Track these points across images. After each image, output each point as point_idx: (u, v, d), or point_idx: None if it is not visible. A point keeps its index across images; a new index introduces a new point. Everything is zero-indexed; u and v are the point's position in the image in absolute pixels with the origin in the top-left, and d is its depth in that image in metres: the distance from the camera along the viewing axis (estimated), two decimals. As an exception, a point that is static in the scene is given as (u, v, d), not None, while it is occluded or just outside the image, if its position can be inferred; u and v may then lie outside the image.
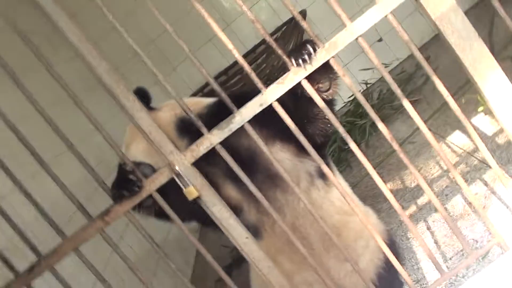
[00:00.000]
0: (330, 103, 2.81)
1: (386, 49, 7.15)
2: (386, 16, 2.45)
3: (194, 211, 2.71)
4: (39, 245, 2.74)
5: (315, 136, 2.92)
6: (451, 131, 4.63)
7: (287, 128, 2.56)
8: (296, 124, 2.56)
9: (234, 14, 7.23)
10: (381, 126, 2.56)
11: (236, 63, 6.94)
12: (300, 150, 2.96)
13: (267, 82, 2.53)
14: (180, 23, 6.60)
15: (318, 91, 2.69)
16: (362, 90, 7.06)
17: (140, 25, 6.72)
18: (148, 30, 6.86)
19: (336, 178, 2.79)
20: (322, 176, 3.03)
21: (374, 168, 2.71)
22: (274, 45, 2.47)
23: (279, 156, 2.92)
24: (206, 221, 2.85)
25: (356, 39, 2.47)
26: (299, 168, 3.00)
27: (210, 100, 3.19)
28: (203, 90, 6.94)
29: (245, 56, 6.88)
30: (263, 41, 7.05)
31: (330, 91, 2.79)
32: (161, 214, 2.84)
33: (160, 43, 6.93)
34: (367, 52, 2.49)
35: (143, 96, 2.93)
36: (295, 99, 2.79)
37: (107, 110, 5.87)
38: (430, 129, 2.59)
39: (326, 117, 2.58)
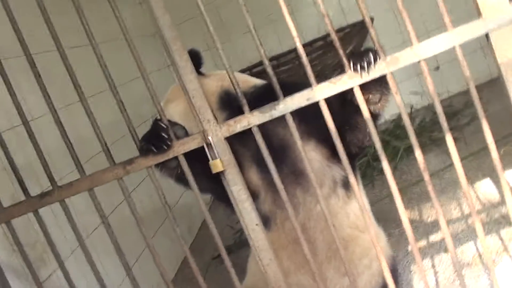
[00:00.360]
0: (375, 116, 2.79)
1: (440, 79, 7.09)
2: (454, 47, 2.41)
3: (213, 184, 2.71)
4: (56, 176, 2.76)
5: (351, 145, 2.91)
6: (482, 178, 4.59)
7: (325, 129, 2.54)
8: (336, 128, 2.55)
9: (301, 3, 7.21)
10: (418, 153, 2.53)
11: (290, 51, 6.93)
12: (332, 154, 2.95)
13: (317, 79, 2.51)
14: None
15: (367, 101, 2.66)
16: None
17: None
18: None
19: (359, 192, 2.78)
20: (345, 186, 3.02)
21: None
22: (337, 43, 2.45)
23: (310, 155, 2.91)
24: (222, 197, 2.85)
25: (419, 61, 2.43)
26: (326, 172, 2.99)
27: (258, 81, 3.19)
28: (252, 69, 6.94)
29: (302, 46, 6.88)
30: (323, 37, 7.04)
31: (379, 105, 2.78)
32: (180, 179, 2.85)
33: (223, 11, 6.94)
34: (426, 77, 2.45)
35: (195, 58, 2.93)
36: (342, 103, 2.78)
37: (154, 63, 5.91)
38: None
39: (367, 129, 2.56)
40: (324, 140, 2.86)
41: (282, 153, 2.94)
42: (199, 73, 3.03)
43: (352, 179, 2.58)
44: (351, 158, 2.76)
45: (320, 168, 2.96)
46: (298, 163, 2.92)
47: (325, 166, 2.98)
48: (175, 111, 3.13)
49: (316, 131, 2.89)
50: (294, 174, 2.95)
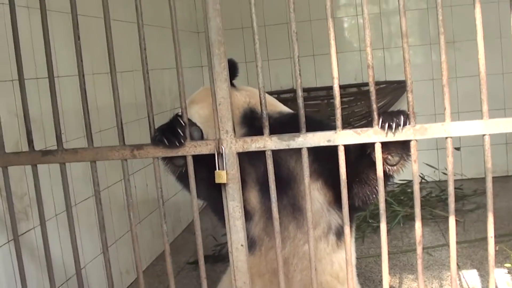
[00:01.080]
0: (387, 177, 2.78)
1: (457, 159, 7.09)
2: (483, 135, 2.40)
3: (211, 193, 2.70)
4: (63, 137, 2.76)
5: (356, 197, 2.90)
6: (470, 268, 4.57)
7: (336, 174, 2.53)
8: (346, 177, 2.54)
9: (347, 46, 7.25)
10: (418, 225, 2.52)
11: (322, 88, 6.96)
12: (334, 200, 2.94)
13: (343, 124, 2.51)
14: (300, 26, 6.63)
15: (385, 161, 2.67)
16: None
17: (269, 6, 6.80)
18: (273, 14, 6.91)
19: (350, 244, 2.77)
20: (338, 234, 3.00)
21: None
22: (373, 96, 2.44)
23: (313, 194, 2.91)
24: (216, 208, 2.86)
25: (446, 138, 2.43)
26: (323, 215, 2.98)
27: (285, 109, 3.20)
28: (280, 94, 6.95)
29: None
30: (358, 85, 7.07)
31: (395, 168, 2.77)
32: (182, 178, 2.85)
33: (271, 31, 6.96)
34: (448, 156, 2.45)
35: (232, 69, 2.94)
36: (360, 155, 2.77)
37: (188, 59, 5.94)
38: (456, 255, 2.54)
39: (376, 187, 2.55)
40: (331, 184, 2.85)
41: (287, 184, 2.93)
42: (231, 84, 3.04)
43: (347, 229, 2.57)
44: (352, 210, 2.75)
45: (319, 209, 2.95)
46: (300, 198, 2.91)
47: (325, 209, 2.97)
48: (197, 113, 3.14)
49: (326, 173, 2.89)
50: (292, 208, 2.94)
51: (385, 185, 2.67)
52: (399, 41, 6.99)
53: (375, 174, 2.53)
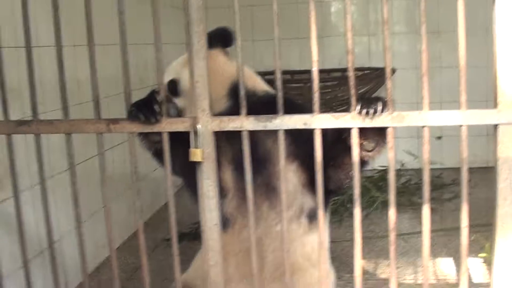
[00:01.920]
0: (363, 163, 2.77)
1: (439, 148, 7.11)
2: (461, 126, 2.40)
3: (187, 171, 2.69)
4: (41, 108, 2.73)
5: (331, 181, 2.89)
6: (445, 256, 4.60)
7: (311, 158, 2.52)
8: (323, 160, 2.53)
9: (333, 31, 7.23)
10: (392, 211, 2.51)
11: (306, 71, 6.92)
12: (308, 183, 2.93)
13: (322, 107, 2.49)
14: (285, 9, 6.58)
15: (361, 147, 2.65)
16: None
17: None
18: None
19: (323, 227, 2.75)
20: (310, 217, 2.99)
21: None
22: (352, 82, 2.43)
23: (288, 176, 2.89)
24: (190, 186, 2.84)
25: (423, 127, 2.42)
26: (297, 197, 2.97)
27: (269, 90, 3.17)
28: (264, 76, 6.91)
29: (319, 72, 6.91)
30: (342, 70, 7.05)
31: (370, 154, 2.76)
32: (157, 154, 2.84)
33: (256, 12, 6.92)
34: (425, 144, 2.44)
35: (226, 36, 2.94)
36: (336, 139, 2.76)
37: (174, 36, 5.88)
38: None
39: (351, 172, 2.54)
40: (307, 167, 2.84)
41: (263, 164, 2.91)
42: (225, 51, 3.11)
43: (320, 212, 2.56)
44: (326, 193, 2.74)
45: (292, 191, 2.93)
46: (274, 179, 2.89)
47: (298, 191, 2.96)
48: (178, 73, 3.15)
49: (302, 156, 2.87)
50: (267, 188, 2.92)
51: (361, 171, 2.66)
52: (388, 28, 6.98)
53: (350, 159, 2.51)
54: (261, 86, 3.17)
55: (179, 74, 3.14)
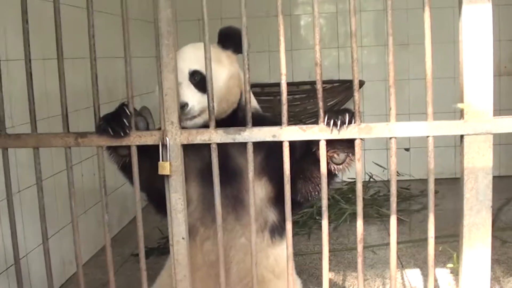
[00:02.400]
0: (332, 175, 2.79)
1: (406, 160, 7.18)
2: (428, 137, 2.43)
3: (153, 185, 2.69)
4: (10, 122, 2.71)
5: (299, 194, 2.91)
6: (413, 267, 4.62)
7: (280, 171, 2.53)
8: (291, 173, 2.54)
9: (303, 44, 7.27)
10: (359, 223, 2.52)
11: (276, 84, 6.96)
12: (275, 197, 2.95)
13: (291, 119, 2.51)
14: (254, 22, 6.60)
15: (331, 159, 2.68)
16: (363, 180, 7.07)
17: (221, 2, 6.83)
18: (225, 8, 6.92)
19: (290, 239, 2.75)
20: (272, 231, 3.01)
21: (328, 252, 2.67)
22: (320, 94, 2.45)
23: (256, 190, 2.90)
24: (156, 200, 2.85)
25: (391, 138, 2.45)
26: (262, 211, 2.98)
27: (258, 108, 3.14)
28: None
29: (288, 84, 6.96)
30: (311, 83, 7.10)
31: (341, 167, 2.76)
32: (125, 168, 2.82)
33: (226, 24, 6.93)
34: (392, 155, 2.47)
35: (230, 36, 2.91)
36: (306, 152, 2.78)
37: (146, 50, 5.88)
38: (397, 254, 2.55)
39: (320, 184, 2.55)
40: (276, 181, 2.85)
41: (232, 177, 2.92)
42: (236, 51, 2.97)
43: (288, 225, 2.56)
44: (294, 205, 2.75)
45: (258, 205, 2.94)
46: (242, 191, 2.90)
47: (264, 205, 2.97)
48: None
49: (273, 171, 2.88)
50: (234, 200, 2.93)
51: (330, 184, 2.67)
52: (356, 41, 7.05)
53: (319, 171, 2.53)
54: (253, 103, 3.13)
55: (203, 67, 2.71)
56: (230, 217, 2.95)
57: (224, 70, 2.89)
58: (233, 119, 2.59)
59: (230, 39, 2.94)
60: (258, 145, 2.60)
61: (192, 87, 2.76)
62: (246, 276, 2.82)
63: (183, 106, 2.69)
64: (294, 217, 2.84)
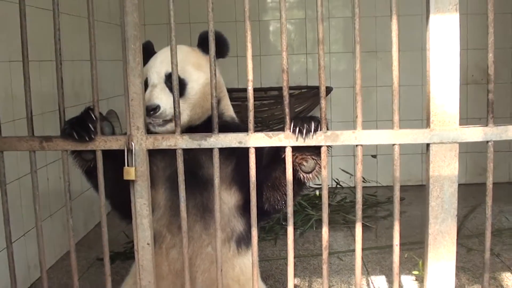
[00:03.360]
0: (302, 184, 2.79)
1: (373, 167, 7.22)
2: (393, 145, 2.44)
3: (117, 190, 2.65)
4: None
5: (266, 202, 2.90)
6: (379, 273, 4.63)
7: (247, 179, 2.53)
8: (259, 181, 2.53)
9: (271, 49, 7.28)
10: (324, 230, 2.53)
11: (243, 90, 6.96)
12: (243, 205, 2.93)
13: (258, 125, 2.51)
14: (223, 27, 6.58)
15: (300, 167, 2.68)
16: (330, 186, 7.09)
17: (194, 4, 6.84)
18: (193, 13, 6.92)
19: (256, 247, 2.73)
20: (238, 242, 2.99)
21: (294, 258, 2.66)
22: (287, 100, 2.45)
23: (225, 199, 2.89)
24: (120, 206, 2.82)
25: (356, 145, 2.45)
26: (230, 220, 2.96)
27: (234, 116, 3.12)
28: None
29: (256, 90, 6.95)
30: (279, 88, 7.10)
31: (310, 175, 2.74)
32: (90, 173, 2.79)
33: (194, 29, 6.92)
34: (358, 163, 2.48)
35: (220, 44, 2.79)
36: (274, 159, 2.77)
37: (114, 53, 5.85)
38: (362, 260, 2.56)
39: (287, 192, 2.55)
40: (246, 190, 2.83)
41: (202, 185, 2.90)
42: (220, 55, 2.87)
43: (254, 231, 2.55)
44: (262, 214, 2.74)
45: (226, 214, 2.93)
46: (211, 200, 2.87)
47: (232, 215, 2.95)
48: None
49: (243, 180, 2.84)
50: (202, 208, 2.90)
51: (299, 192, 2.68)
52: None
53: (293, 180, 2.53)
54: (230, 111, 3.13)
55: (183, 71, 2.82)
56: (198, 226, 2.93)
57: (202, 75, 2.88)
58: (209, 126, 2.56)
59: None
60: (229, 155, 2.60)
61: (167, 90, 2.75)
62: (211, 286, 2.80)
63: (154, 109, 2.69)
64: (261, 224, 2.83)
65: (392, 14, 2.39)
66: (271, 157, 2.80)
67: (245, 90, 6.41)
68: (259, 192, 2.57)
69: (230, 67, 7.04)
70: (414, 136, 2.44)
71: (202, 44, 2.95)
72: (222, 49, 2.90)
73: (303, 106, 6.77)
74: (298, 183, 2.68)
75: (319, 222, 5.78)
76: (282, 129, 2.50)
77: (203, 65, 2.87)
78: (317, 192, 6.42)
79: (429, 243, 2.49)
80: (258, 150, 2.50)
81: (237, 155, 2.77)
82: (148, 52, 2.93)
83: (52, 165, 4.93)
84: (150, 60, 2.95)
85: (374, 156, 7.20)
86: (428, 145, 2.44)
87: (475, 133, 2.43)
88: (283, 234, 5.59)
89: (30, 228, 4.45)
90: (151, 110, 2.68)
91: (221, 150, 2.50)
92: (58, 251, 5.07)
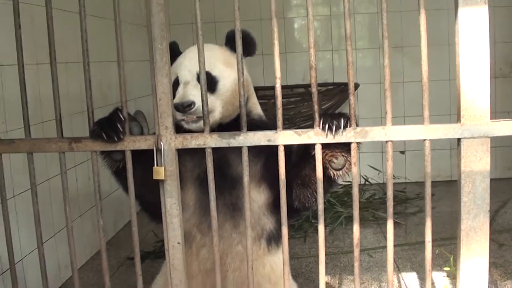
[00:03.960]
0: (332, 181, 2.77)
1: (402, 163, 7.17)
2: (424, 140, 2.41)
3: (149, 190, 2.65)
4: (5, 127, 2.69)
5: (297, 200, 2.89)
6: (410, 270, 4.60)
7: (277, 177, 2.51)
8: (289, 179, 2.52)
9: (297, 47, 7.26)
10: (356, 228, 2.51)
11: (269, 88, 6.94)
12: (273, 203, 2.92)
13: (285, 122, 2.49)
14: (248, 25, 6.55)
15: (330, 165, 2.67)
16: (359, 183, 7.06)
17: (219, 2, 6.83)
18: (218, 12, 6.90)
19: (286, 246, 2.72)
20: (269, 239, 2.99)
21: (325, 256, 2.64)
22: (315, 97, 2.44)
23: (255, 197, 2.88)
24: (150, 206, 2.82)
25: (387, 141, 2.43)
26: (260, 218, 2.95)
27: (262, 114, 3.12)
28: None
29: (282, 88, 6.95)
30: (305, 86, 7.08)
31: (340, 172, 2.72)
32: (119, 174, 2.80)
33: (219, 28, 6.92)
34: (388, 159, 2.45)
35: (248, 43, 2.82)
36: (303, 157, 2.75)
37: (140, 53, 5.87)
38: (394, 257, 2.54)
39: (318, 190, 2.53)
40: (275, 188, 2.81)
41: (231, 184, 2.89)
42: (247, 54, 2.91)
43: (284, 230, 2.53)
44: (292, 211, 2.73)
45: (256, 212, 2.92)
46: (240, 198, 2.86)
47: (262, 213, 2.95)
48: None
49: (272, 177, 2.83)
50: (233, 207, 2.90)
51: (329, 190, 2.66)
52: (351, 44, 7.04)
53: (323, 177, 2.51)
54: (257, 109, 3.14)
55: (214, 68, 2.87)
56: (228, 224, 2.93)
57: (233, 72, 2.86)
58: (237, 124, 2.55)
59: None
60: (257, 152, 2.59)
61: (199, 87, 2.74)
62: (242, 284, 2.79)
63: (189, 105, 2.69)
64: (291, 222, 2.81)
65: (420, 9, 2.37)
66: (300, 155, 2.78)
67: (271, 88, 6.40)
68: (289, 190, 2.55)
69: (255, 65, 7.03)
70: (445, 131, 2.40)
71: (230, 43, 2.95)
72: (249, 48, 2.92)
73: (330, 103, 6.74)
74: (328, 180, 2.66)
75: (349, 219, 5.79)
76: (309, 126, 2.48)
77: (232, 63, 2.84)
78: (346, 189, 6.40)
79: (462, 239, 2.46)
80: (287, 147, 2.49)
81: (265, 153, 2.76)
82: (174, 52, 2.92)
83: (81, 166, 4.96)
84: (179, 58, 2.96)
85: (402, 152, 7.17)
86: (459, 140, 2.40)
87: (507, 127, 2.39)
88: (312, 231, 5.59)
89: (60, 229, 4.48)
90: (187, 107, 2.68)
91: (250, 148, 2.49)
92: (88, 251, 5.10)
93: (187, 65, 2.84)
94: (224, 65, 2.88)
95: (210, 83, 2.75)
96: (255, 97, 3.13)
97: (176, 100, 2.72)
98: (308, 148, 2.61)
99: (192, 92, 2.73)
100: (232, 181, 2.90)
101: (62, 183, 2.60)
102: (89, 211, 5.09)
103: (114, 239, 5.70)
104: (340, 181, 2.82)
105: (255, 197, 2.89)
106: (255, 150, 2.64)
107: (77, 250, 2.70)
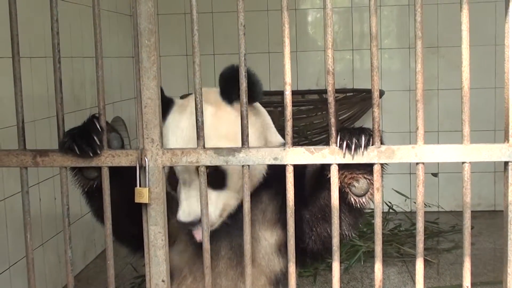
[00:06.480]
0: (355, 210, 2.72)
1: (434, 187, 7.15)
2: (463, 163, 2.40)
3: (129, 215, 2.64)
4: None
5: (317, 240, 2.83)
6: (442, 320, 4.61)
7: (295, 216, 2.46)
8: (303, 213, 2.51)
9: (310, 44, 7.24)
10: (378, 267, 2.49)
11: (276, 93, 6.94)
12: (286, 243, 2.89)
13: (295, 136, 2.47)
14: (252, 17, 6.54)
15: (349, 189, 2.62)
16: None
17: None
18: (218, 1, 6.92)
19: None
20: (276, 284, 2.95)
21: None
22: (332, 108, 2.42)
23: (264, 234, 2.86)
24: (128, 236, 2.80)
25: (417, 163, 2.42)
26: (270, 259, 2.91)
27: (282, 141, 3.10)
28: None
29: (292, 94, 6.97)
30: (319, 92, 7.07)
31: (363, 200, 2.67)
32: (92, 195, 2.77)
33: (217, 19, 6.93)
34: (419, 184, 2.43)
35: (253, 87, 2.68)
36: (319, 182, 2.72)
37: (124, 48, 5.88)
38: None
39: (348, 223, 2.52)
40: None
41: (241, 223, 2.84)
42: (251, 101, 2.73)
43: (291, 267, 2.49)
44: (312, 257, 2.74)
45: (266, 251, 2.90)
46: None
47: (273, 252, 2.91)
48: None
49: (282, 210, 2.73)
50: (239, 252, 2.80)
51: (357, 221, 2.65)
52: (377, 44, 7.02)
53: (343, 206, 2.51)
54: (277, 138, 3.04)
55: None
56: (233, 272, 2.89)
57: (239, 144, 2.59)
58: None
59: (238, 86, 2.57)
60: (275, 191, 2.57)
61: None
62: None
63: (199, 221, 2.66)
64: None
65: (463, 2, 2.34)
66: (315, 180, 2.75)
67: (278, 93, 6.40)
68: (308, 227, 2.53)
69: (260, 65, 7.02)
70: (489, 152, 2.38)
71: (225, 90, 2.86)
72: (253, 95, 2.75)
73: (348, 113, 6.71)
74: (350, 209, 2.64)
75: (368, 254, 5.75)
76: (323, 141, 2.46)
77: (237, 131, 2.57)
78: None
79: (509, 285, 2.44)
80: (298, 169, 2.46)
81: (283, 193, 2.64)
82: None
83: (45, 183, 4.95)
84: (170, 126, 2.87)
85: (435, 175, 7.14)
86: (506, 163, 2.38)
87: None
88: (323, 269, 5.57)
89: (17, 260, 4.47)
90: (196, 224, 2.69)
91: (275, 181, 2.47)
92: (51, 285, 5.09)
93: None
94: (227, 140, 2.76)
95: (216, 180, 2.73)
96: (272, 127, 3.06)
97: (181, 217, 2.71)
98: (323, 170, 2.59)
99: (198, 203, 2.61)
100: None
101: (23, 206, 2.57)
102: (53, 238, 5.08)
103: (83, 274, 5.69)
104: (365, 210, 2.78)
105: (266, 237, 2.87)
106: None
107: (38, 287, 2.69)
